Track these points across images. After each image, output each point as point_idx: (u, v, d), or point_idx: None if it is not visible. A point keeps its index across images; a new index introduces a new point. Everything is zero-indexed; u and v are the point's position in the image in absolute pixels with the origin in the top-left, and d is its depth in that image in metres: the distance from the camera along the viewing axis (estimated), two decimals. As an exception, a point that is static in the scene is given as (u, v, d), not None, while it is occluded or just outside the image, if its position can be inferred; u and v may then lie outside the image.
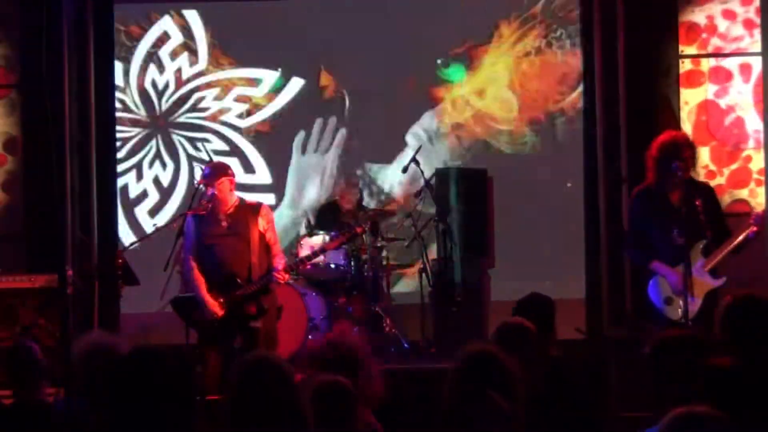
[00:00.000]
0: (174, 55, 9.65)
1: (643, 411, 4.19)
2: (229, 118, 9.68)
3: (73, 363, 4.24)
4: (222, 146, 9.64)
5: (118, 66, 9.47)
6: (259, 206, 7.20)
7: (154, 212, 9.59)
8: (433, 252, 8.67)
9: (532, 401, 3.56)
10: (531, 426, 3.50)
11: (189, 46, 9.64)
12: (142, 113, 9.61)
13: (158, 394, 3.16)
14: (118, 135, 9.38)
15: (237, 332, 6.95)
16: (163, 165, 9.66)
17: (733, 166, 8.56)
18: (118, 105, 9.43)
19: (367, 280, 8.41)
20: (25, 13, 8.78)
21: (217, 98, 9.67)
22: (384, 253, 8.77)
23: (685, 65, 8.60)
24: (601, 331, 8.33)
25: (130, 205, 9.60)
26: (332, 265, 8.44)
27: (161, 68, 9.64)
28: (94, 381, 4.00)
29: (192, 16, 9.64)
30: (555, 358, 4.59)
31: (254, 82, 9.68)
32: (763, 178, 8.45)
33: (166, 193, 9.66)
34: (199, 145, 9.59)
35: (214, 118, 9.70)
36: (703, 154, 8.52)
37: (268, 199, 9.46)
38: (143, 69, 9.65)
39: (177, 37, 9.65)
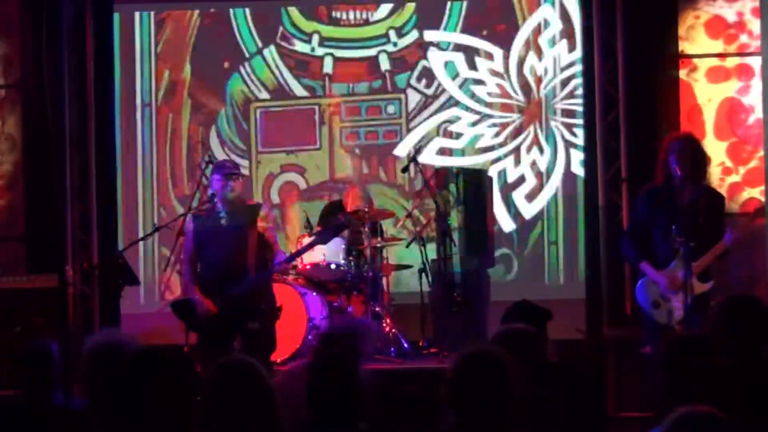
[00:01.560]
0: (553, 41, 9.65)
1: (643, 411, 4.20)
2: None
3: (81, 362, 4.24)
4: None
5: (499, 52, 9.53)
6: (258, 206, 7.20)
7: (531, 197, 9.56)
8: (433, 252, 8.67)
9: (531, 402, 3.56)
10: (531, 427, 3.50)
11: (568, 33, 9.63)
12: (521, 99, 9.62)
13: (158, 395, 3.17)
14: (496, 121, 9.51)
15: (235, 333, 6.96)
16: (541, 150, 9.65)
17: (750, 165, 8.56)
18: (497, 90, 9.53)
19: (367, 280, 8.41)
20: (25, 13, 8.79)
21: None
22: (384, 253, 8.77)
23: (711, 62, 8.59)
24: (601, 331, 8.34)
25: (508, 190, 9.58)
26: (332, 265, 8.44)
27: (540, 55, 9.65)
28: (97, 380, 4.00)
29: (571, 4, 9.60)
30: (553, 365, 4.57)
31: None
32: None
33: (542, 178, 9.62)
34: (576, 131, 9.56)
35: None
36: (721, 151, 8.53)
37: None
38: (523, 56, 9.64)
39: (556, 24, 9.65)
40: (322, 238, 7.86)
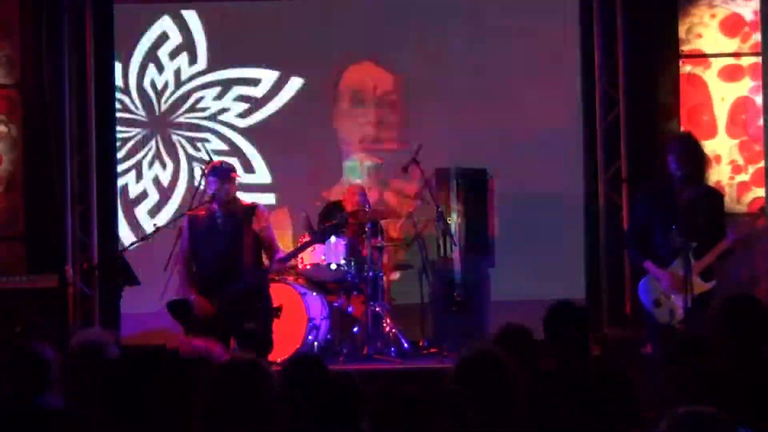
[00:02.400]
0: (173, 55, 9.65)
1: (644, 411, 4.19)
2: (229, 117, 9.68)
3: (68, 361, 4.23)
4: (221, 146, 9.63)
5: (118, 66, 9.46)
6: (254, 207, 7.20)
7: (153, 212, 9.57)
8: (433, 252, 8.67)
9: (532, 403, 3.56)
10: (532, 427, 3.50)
11: (188, 46, 9.63)
12: (141, 113, 9.59)
13: (155, 395, 3.16)
14: (117, 135, 9.38)
15: (231, 333, 6.95)
16: (163, 165, 9.65)
17: (760, 165, 8.56)
18: (117, 105, 9.42)
19: (367, 280, 8.41)
20: (25, 13, 8.79)
21: (217, 98, 9.66)
22: (384, 253, 8.77)
23: (726, 60, 8.60)
24: (601, 331, 8.34)
25: (130, 206, 9.58)
26: (332, 265, 8.43)
27: (160, 68, 9.63)
28: (84, 381, 3.99)
29: (191, 16, 9.64)
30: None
31: (253, 82, 9.67)
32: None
33: (165, 193, 9.65)
34: (199, 145, 9.59)
35: (213, 118, 9.69)
36: (732, 148, 8.54)
37: (268, 198, 9.48)
38: (142, 69, 9.63)
39: (176, 37, 9.65)
40: (319, 238, 7.85)
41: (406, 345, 8.29)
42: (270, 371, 3.28)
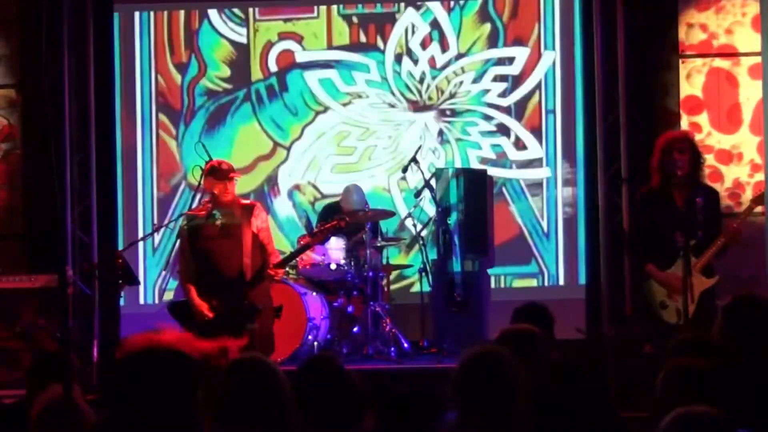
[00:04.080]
0: (424, 44, 9.69)
1: (644, 411, 4.19)
2: (491, 98, 9.66)
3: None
4: (489, 127, 9.64)
5: (372, 62, 9.59)
6: (252, 206, 7.20)
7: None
8: (433, 252, 8.67)
9: (537, 403, 3.56)
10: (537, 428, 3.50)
11: (437, 35, 9.68)
12: (405, 105, 9.66)
13: (159, 394, 3.16)
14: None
15: (231, 334, 6.94)
16: (435, 153, 9.69)
17: None
18: (380, 101, 9.57)
19: (367, 280, 8.41)
20: (25, 13, 8.79)
21: (475, 81, 9.68)
22: (384, 253, 8.77)
23: (755, 59, 8.60)
24: (601, 331, 8.33)
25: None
26: (332, 265, 8.44)
27: (414, 59, 9.68)
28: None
29: (435, 6, 9.68)
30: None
31: (508, 61, 9.68)
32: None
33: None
34: (468, 129, 9.58)
35: (475, 100, 9.69)
36: (753, 147, 8.54)
37: (545, 173, 9.50)
38: (397, 62, 9.69)
39: (423, 28, 9.69)
40: (318, 240, 7.84)
41: (406, 345, 8.29)
42: (278, 369, 3.28)
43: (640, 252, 6.69)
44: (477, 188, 8.76)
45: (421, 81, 9.70)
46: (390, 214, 8.93)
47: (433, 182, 8.60)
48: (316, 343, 8.15)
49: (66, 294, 7.90)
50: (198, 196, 7.51)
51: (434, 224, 8.70)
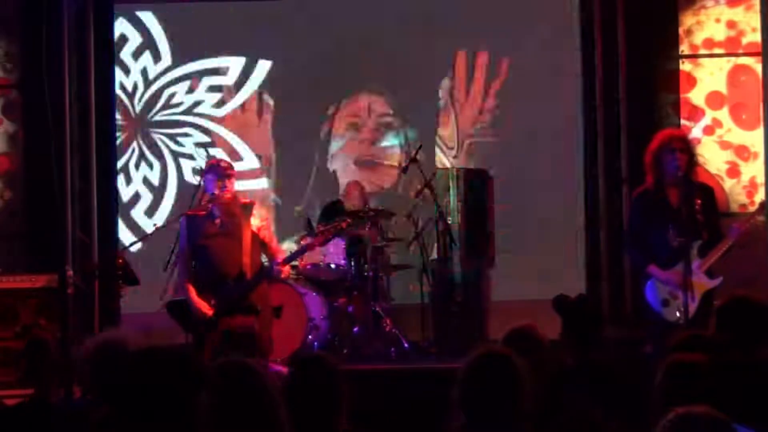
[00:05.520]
0: (136, 55, 9.65)
1: (642, 411, 4.19)
2: (205, 109, 9.68)
3: (81, 362, 4.23)
4: (203, 138, 9.66)
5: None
6: (251, 205, 7.19)
7: (150, 212, 9.58)
8: (433, 252, 8.67)
9: (541, 404, 3.57)
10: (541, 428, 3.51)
11: (149, 45, 9.66)
12: (118, 117, 9.55)
13: (160, 393, 3.17)
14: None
15: (231, 334, 6.93)
16: (150, 165, 9.68)
17: None
18: None
19: (367, 280, 8.41)
20: (25, 13, 8.79)
21: (189, 91, 9.67)
22: (384, 253, 8.77)
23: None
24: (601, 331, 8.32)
25: (126, 209, 9.57)
26: (332, 265, 8.44)
27: (126, 70, 9.65)
28: (101, 379, 4.00)
29: (146, 17, 9.66)
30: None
31: (222, 71, 9.68)
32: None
33: (158, 192, 9.65)
34: (181, 140, 9.61)
35: (188, 111, 9.69)
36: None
37: (261, 184, 9.63)
38: None
39: (135, 38, 9.66)
40: (320, 240, 7.83)
41: (406, 345, 8.28)
42: (263, 372, 3.28)
43: (640, 252, 6.68)
44: (477, 188, 8.75)
45: (134, 92, 9.66)
46: (390, 214, 8.93)
47: (432, 183, 8.60)
48: (316, 343, 8.15)
49: (66, 294, 7.91)
50: (198, 196, 7.50)
51: (434, 224, 8.69)
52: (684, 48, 8.71)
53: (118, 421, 3.29)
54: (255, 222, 7.09)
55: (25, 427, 4.31)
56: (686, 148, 6.63)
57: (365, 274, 8.41)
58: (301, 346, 8.00)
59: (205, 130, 9.69)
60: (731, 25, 8.73)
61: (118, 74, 9.52)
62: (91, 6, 8.91)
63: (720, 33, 8.73)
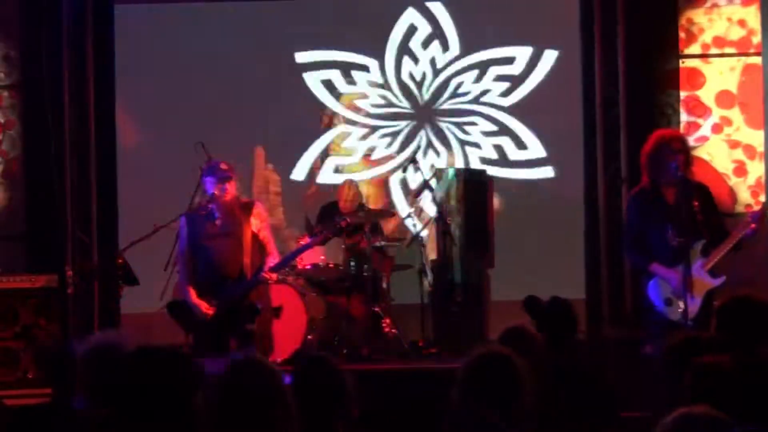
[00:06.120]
0: (425, 44, 9.75)
1: (644, 411, 4.19)
2: (492, 98, 9.76)
3: (77, 363, 4.23)
4: (490, 127, 9.72)
5: (374, 63, 9.71)
6: (251, 205, 7.18)
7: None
8: (433, 252, 8.67)
9: (541, 403, 3.57)
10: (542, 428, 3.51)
11: (438, 35, 9.79)
12: (406, 106, 9.73)
13: (159, 394, 3.16)
14: (387, 131, 9.68)
15: (231, 334, 6.94)
16: (437, 153, 9.78)
17: None
18: (381, 101, 9.72)
19: (367, 280, 8.41)
20: (25, 13, 8.79)
21: (476, 80, 9.76)
22: (384, 253, 8.77)
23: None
24: (601, 331, 8.33)
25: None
26: (332, 265, 8.44)
27: (416, 60, 9.77)
28: (98, 380, 3.99)
29: (436, 7, 9.78)
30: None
31: (509, 61, 9.75)
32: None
33: None
34: (468, 128, 9.64)
35: (476, 100, 9.81)
36: None
37: (547, 172, 9.64)
38: (398, 62, 9.78)
39: (425, 28, 9.77)
40: (318, 241, 7.83)
41: (406, 345, 8.29)
42: (276, 369, 3.27)
43: (639, 253, 6.68)
44: (477, 188, 8.75)
45: (422, 81, 9.73)
46: (390, 214, 8.93)
47: (432, 182, 8.60)
48: (316, 344, 8.15)
49: (66, 294, 7.92)
50: (197, 196, 7.50)
51: (434, 224, 8.69)
52: (695, 47, 8.70)
53: (118, 422, 3.28)
54: (255, 222, 7.09)
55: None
56: (684, 148, 6.63)
57: (365, 274, 8.41)
58: (301, 346, 8.00)
59: (492, 119, 9.76)
60: (742, 24, 8.73)
61: (407, 64, 9.67)
62: (91, 6, 8.91)
63: (733, 32, 8.73)
